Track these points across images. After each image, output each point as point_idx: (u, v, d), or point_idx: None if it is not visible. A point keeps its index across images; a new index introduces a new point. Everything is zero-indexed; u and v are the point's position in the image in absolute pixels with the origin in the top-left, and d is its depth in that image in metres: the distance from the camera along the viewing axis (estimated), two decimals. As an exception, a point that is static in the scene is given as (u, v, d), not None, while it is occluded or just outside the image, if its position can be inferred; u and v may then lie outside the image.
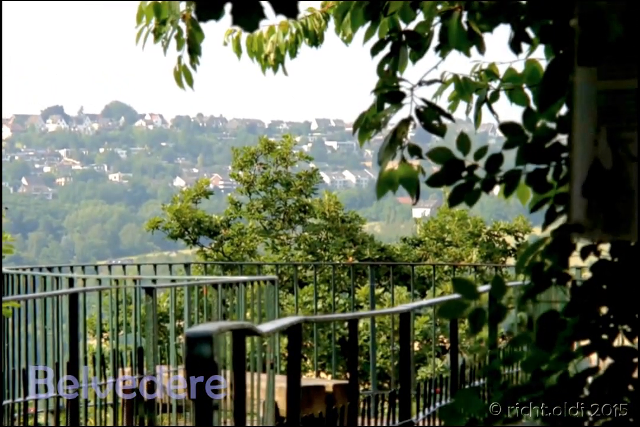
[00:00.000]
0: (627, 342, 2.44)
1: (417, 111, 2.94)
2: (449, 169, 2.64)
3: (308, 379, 8.82)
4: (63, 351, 7.17)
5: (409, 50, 3.22)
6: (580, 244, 2.48)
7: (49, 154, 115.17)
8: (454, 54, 3.26)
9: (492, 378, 2.35)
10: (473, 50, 3.26)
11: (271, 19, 2.16)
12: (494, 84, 3.31)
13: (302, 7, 3.97)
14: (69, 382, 6.72)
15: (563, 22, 2.61)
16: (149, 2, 3.68)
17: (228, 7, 2.11)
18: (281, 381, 6.14)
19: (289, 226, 13.78)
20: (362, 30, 3.38)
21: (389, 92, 2.96)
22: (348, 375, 7.32)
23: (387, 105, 3.03)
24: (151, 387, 7.15)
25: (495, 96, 3.29)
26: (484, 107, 3.30)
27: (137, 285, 7.95)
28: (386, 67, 3.21)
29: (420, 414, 6.35)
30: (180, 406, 7.57)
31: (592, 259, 2.50)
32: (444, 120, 3.00)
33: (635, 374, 2.39)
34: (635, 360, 2.39)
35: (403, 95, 2.98)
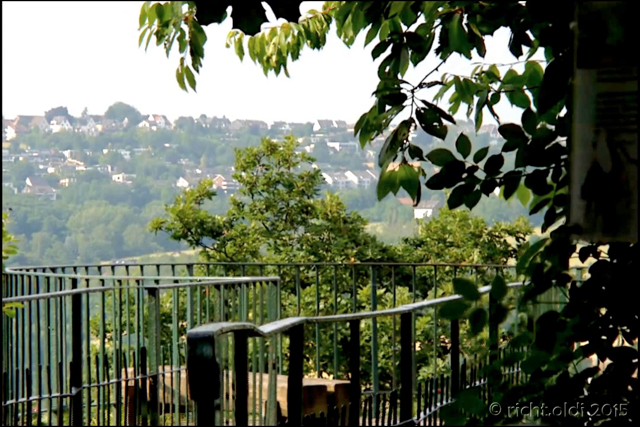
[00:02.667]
0: (626, 343, 2.45)
1: (418, 113, 2.95)
2: (449, 171, 2.65)
3: (310, 379, 8.83)
4: (66, 351, 7.19)
5: (409, 52, 3.23)
6: (580, 246, 2.49)
7: (53, 155, 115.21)
8: (455, 56, 3.27)
9: (493, 378, 2.36)
10: (473, 52, 3.28)
11: (273, 20, 2.17)
12: (495, 86, 3.32)
13: (304, 9, 3.98)
14: (73, 382, 6.74)
15: (562, 24, 2.63)
16: (151, 4, 3.69)
17: (229, 9, 2.13)
18: (283, 381, 6.16)
19: (291, 227, 13.79)
20: (363, 33, 3.39)
21: (390, 94, 2.97)
22: (350, 375, 7.33)
23: (388, 107, 3.05)
24: (154, 387, 7.16)
25: (495, 98, 3.30)
26: (485, 109, 3.31)
27: (140, 285, 7.97)
28: (387, 69, 3.22)
29: (422, 414, 6.36)
30: (183, 406, 7.59)
31: (592, 260, 2.52)
32: (445, 121, 3.01)
33: (635, 375, 2.40)
34: (635, 361, 2.40)
35: (404, 97, 3.00)
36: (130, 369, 7.39)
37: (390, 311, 8.30)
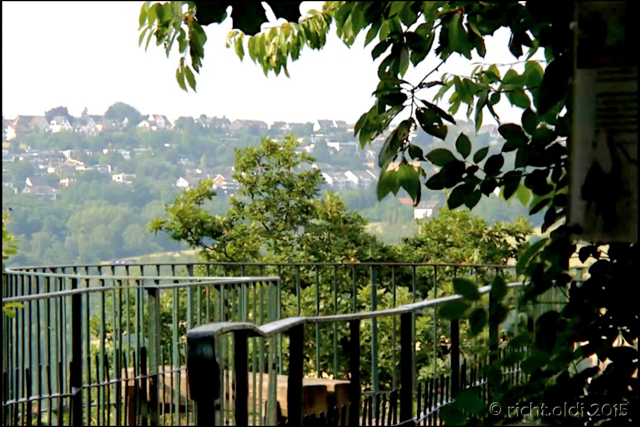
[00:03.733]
0: (626, 343, 2.45)
1: (418, 113, 2.96)
2: (449, 171, 2.65)
3: (310, 379, 8.84)
4: (66, 351, 7.19)
5: (409, 52, 3.23)
6: (580, 246, 2.49)
7: (53, 155, 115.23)
8: (455, 56, 3.27)
9: (493, 378, 2.36)
10: (473, 52, 3.28)
11: (273, 20, 2.17)
12: (495, 86, 3.32)
13: (304, 9, 3.98)
14: (73, 382, 6.74)
15: (562, 24, 2.63)
16: (151, 4, 3.69)
17: (229, 9, 2.13)
18: (283, 381, 6.16)
19: (291, 227, 13.80)
20: (363, 33, 3.39)
21: (390, 94, 2.97)
22: (350, 375, 7.33)
23: (388, 107, 3.05)
24: (154, 387, 7.16)
25: (495, 98, 3.30)
26: (485, 109, 3.31)
27: (140, 285, 7.97)
28: (387, 69, 3.22)
29: (422, 414, 6.36)
30: (183, 406, 7.59)
31: (592, 260, 2.52)
32: (445, 121, 3.01)
33: (635, 375, 2.40)
34: (635, 360, 2.40)
35: (404, 97, 3.00)
36: (130, 369, 7.39)
37: (390, 311, 8.30)
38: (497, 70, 3.36)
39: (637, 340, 2.43)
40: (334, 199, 13.60)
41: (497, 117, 3.25)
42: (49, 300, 7.29)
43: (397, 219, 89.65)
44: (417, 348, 11.95)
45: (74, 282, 8.11)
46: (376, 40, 3.32)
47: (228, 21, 2.16)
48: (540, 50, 3.12)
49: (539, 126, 2.70)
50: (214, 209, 15.12)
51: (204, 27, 3.61)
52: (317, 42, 3.93)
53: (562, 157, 2.65)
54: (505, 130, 2.67)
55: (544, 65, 3.21)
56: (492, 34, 3.19)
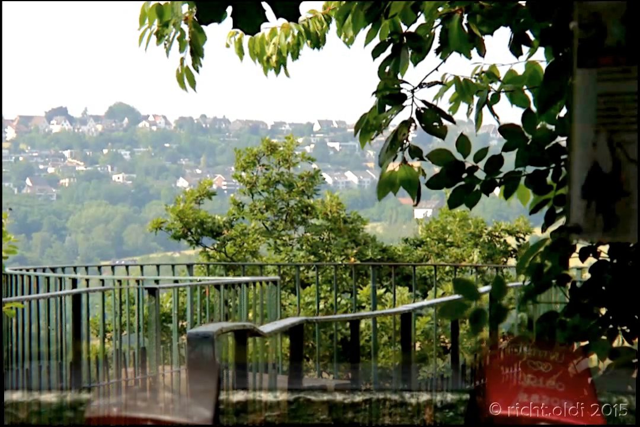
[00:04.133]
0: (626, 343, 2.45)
1: (418, 113, 2.96)
2: (449, 171, 2.65)
3: (310, 379, 8.84)
4: (66, 351, 7.19)
5: (409, 52, 3.23)
6: (580, 246, 2.49)
7: (53, 155, 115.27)
8: (455, 56, 3.27)
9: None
10: (473, 52, 3.28)
11: (273, 20, 2.18)
12: (495, 86, 3.32)
13: (304, 9, 3.98)
14: (73, 382, 6.75)
15: (562, 24, 2.63)
16: (151, 4, 3.69)
17: (229, 9, 2.13)
18: (283, 381, 6.16)
19: (291, 227, 13.80)
20: (363, 33, 3.39)
21: (390, 94, 2.97)
22: (350, 375, 7.32)
23: (388, 107, 3.05)
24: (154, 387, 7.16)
25: (495, 98, 3.30)
26: (485, 109, 3.31)
27: (140, 285, 7.97)
28: (387, 69, 3.22)
29: (422, 415, 6.35)
30: (183, 406, 7.58)
31: (592, 260, 2.52)
32: (445, 121, 3.01)
33: (635, 375, 2.41)
34: (635, 361, 2.40)
35: (404, 97, 3.00)
36: (130, 369, 7.40)
37: (390, 311, 8.30)
38: (497, 70, 3.36)
39: (637, 340, 2.43)
40: (334, 199, 13.60)
41: (497, 117, 3.25)
42: (49, 300, 7.29)
43: (397, 219, 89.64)
44: (417, 348, 11.95)
45: (74, 282, 8.11)
46: (376, 40, 3.32)
47: (228, 21, 2.17)
48: (540, 50, 3.12)
49: (539, 126, 2.70)
50: (214, 209, 15.13)
51: (204, 27, 3.61)
52: (317, 42, 3.93)
53: (562, 157, 2.65)
54: (505, 130, 2.68)
55: (544, 65, 3.21)
56: (492, 34, 3.19)
